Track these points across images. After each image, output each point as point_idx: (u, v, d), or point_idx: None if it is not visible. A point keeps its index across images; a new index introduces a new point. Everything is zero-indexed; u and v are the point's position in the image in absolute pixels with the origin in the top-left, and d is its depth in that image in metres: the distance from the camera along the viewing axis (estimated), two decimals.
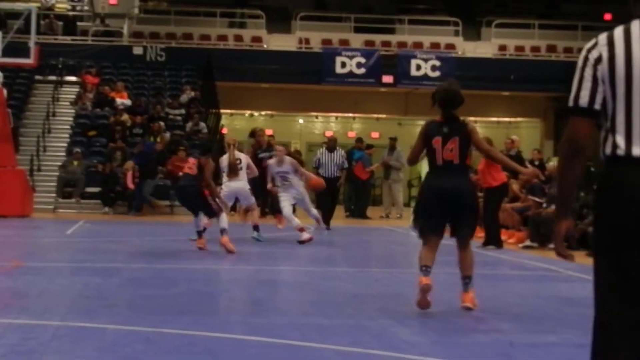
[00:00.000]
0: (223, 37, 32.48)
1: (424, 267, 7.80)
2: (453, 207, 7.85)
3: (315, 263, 13.04)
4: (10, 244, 14.89)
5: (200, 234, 13.56)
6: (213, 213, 13.22)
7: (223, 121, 29.04)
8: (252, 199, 15.28)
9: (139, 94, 28.15)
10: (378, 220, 23.16)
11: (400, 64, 30.52)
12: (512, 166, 9.40)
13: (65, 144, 25.49)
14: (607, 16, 32.68)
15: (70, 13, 33.82)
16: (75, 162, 23.86)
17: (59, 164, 24.21)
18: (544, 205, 15.64)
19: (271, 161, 15.62)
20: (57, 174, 23.82)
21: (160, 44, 30.67)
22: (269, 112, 34.13)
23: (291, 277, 11.32)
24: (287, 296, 9.41)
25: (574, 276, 10.72)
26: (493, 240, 14.84)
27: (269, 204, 20.64)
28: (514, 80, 30.63)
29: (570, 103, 3.41)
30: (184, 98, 27.75)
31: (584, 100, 3.37)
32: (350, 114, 34.54)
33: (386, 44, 32.78)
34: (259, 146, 18.33)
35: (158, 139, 24.54)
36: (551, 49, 32.89)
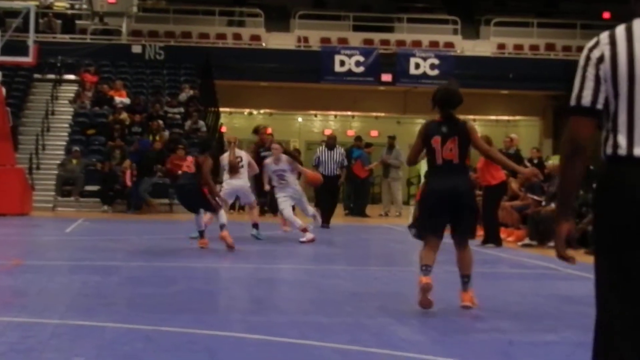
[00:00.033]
0: (222, 36, 32.47)
1: (424, 266, 7.79)
2: (453, 207, 7.85)
3: (315, 261, 13.04)
4: (10, 242, 14.90)
5: (202, 233, 13.56)
6: (213, 209, 13.24)
7: (222, 120, 29.04)
8: (252, 197, 15.28)
9: (137, 93, 28.15)
10: (377, 219, 23.17)
11: (399, 63, 30.52)
12: (511, 166, 9.41)
13: (64, 143, 25.48)
14: (606, 15, 32.68)
15: (69, 11, 33.80)
16: (74, 161, 23.87)
17: (58, 162, 24.21)
18: (543, 203, 15.65)
19: (268, 160, 15.45)
20: (56, 172, 23.82)
21: (159, 43, 30.66)
22: (267, 111, 34.13)
23: (290, 275, 11.33)
24: (287, 294, 9.41)
25: (573, 274, 10.72)
26: (492, 238, 14.85)
27: (268, 203, 20.64)
28: (512, 78, 30.63)
29: (572, 102, 3.39)
30: (183, 96, 27.74)
31: (586, 99, 3.34)
32: (349, 113, 34.55)
33: (385, 42, 32.77)
34: (262, 144, 17.91)
35: (157, 138, 24.53)
36: (550, 47, 32.90)
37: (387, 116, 34.01)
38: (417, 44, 32.56)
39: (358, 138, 25.41)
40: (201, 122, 26.19)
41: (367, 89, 31.40)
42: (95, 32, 31.72)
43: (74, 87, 28.26)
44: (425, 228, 7.99)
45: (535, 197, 15.91)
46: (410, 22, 33.83)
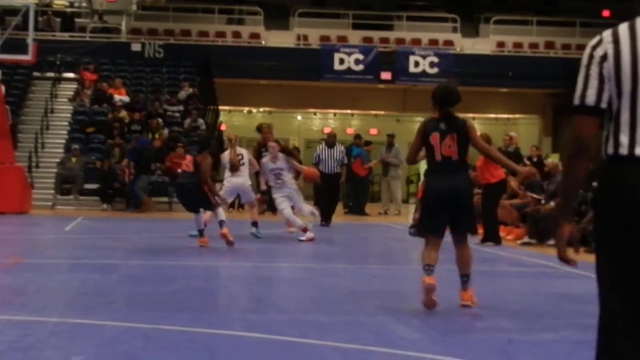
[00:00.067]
0: (221, 34, 32.45)
1: (427, 266, 7.78)
2: (453, 207, 7.84)
3: (314, 260, 13.04)
4: (9, 240, 14.89)
5: (201, 232, 13.55)
6: (212, 207, 13.24)
7: (221, 118, 29.03)
8: (253, 196, 15.27)
9: (137, 91, 28.13)
10: (376, 217, 23.17)
11: (398, 61, 30.51)
12: (509, 165, 9.41)
13: (63, 141, 25.47)
14: (606, 13, 32.66)
15: (68, 9, 33.77)
16: (74, 159, 23.86)
17: (57, 160, 24.20)
18: (543, 201, 15.64)
19: (265, 159, 15.24)
20: (55, 170, 23.82)
21: (158, 41, 30.64)
22: (267, 109, 34.11)
23: (290, 273, 11.33)
24: (286, 293, 9.41)
25: (572, 273, 10.71)
26: (491, 236, 14.84)
27: (267, 201, 20.60)
28: (512, 76, 30.62)
29: (576, 102, 3.34)
30: (182, 94, 27.73)
31: (590, 98, 3.31)
32: (349, 111, 34.54)
33: (384, 40, 32.76)
34: (264, 143, 17.45)
35: (156, 136, 24.53)
36: (549, 45, 32.89)
37: (386, 114, 34.00)
38: (416, 42, 32.54)
39: (357, 136, 25.40)
40: (200, 120, 26.18)
41: (367, 87, 31.40)
42: (95, 30, 31.70)
43: (74, 85, 28.25)
44: (426, 228, 7.99)
45: (535, 196, 15.91)
46: (410, 20, 33.82)
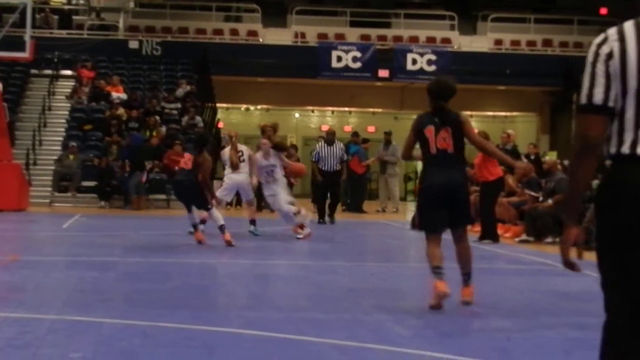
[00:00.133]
0: (219, 31, 32.44)
1: (437, 268, 7.74)
2: (449, 203, 7.84)
3: (312, 257, 13.05)
4: (7, 238, 14.89)
5: (196, 227, 13.54)
6: (207, 207, 13.22)
7: (219, 115, 29.02)
8: (252, 194, 15.26)
9: (134, 88, 28.11)
10: (374, 215, 23.16)
11: (396, 58, 30.52)
12: (505, 160, 9.40)
13: (61, 138, 25.47)
14: (603, 10, 32.68)
15: (66, 7, 33.75)
16: (71, 156, 23.86)
17: (55, 158, 24.20)
18: (540, 199, 15.65)
19: (257, 155, 15.01)
20: (53, 168, 23.81)
21: (156, 38, 30.64)
22: (264, 106, 34.10)
23: (287, 271, 11.33)
24: (284, 290, 9.41)
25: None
26: (489, 234, 14.85)
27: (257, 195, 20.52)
28: (509, 74, 30.63)
29: (583, 100, 3.29)
30: (180, 92, 27.73)
31: (598, 97, 3.25)
32: (346, 108, 34.54)
33: (382, 38, 32.77)
34: None
35: (154, 133, 24.53)
36: (547, 43, 32.90)
37: (384, 112, 34.01)
38: (414, 39, 32.56)
39: (355, 134, 25.38)
40: (198, 118, 26.19)
41: (364, 84, 31.41)
42: (92, 28, 31.69)
43: (71, 83, 28.24)
44: (425, 224, 7.97)
45: (533, 193, 15.91)
46: (407, 17, 33.83)
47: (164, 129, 25.17)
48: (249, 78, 30.62)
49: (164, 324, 6.77)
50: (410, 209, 19.78)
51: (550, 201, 15.01)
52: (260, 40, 32.18)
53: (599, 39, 3.31)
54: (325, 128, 28.39)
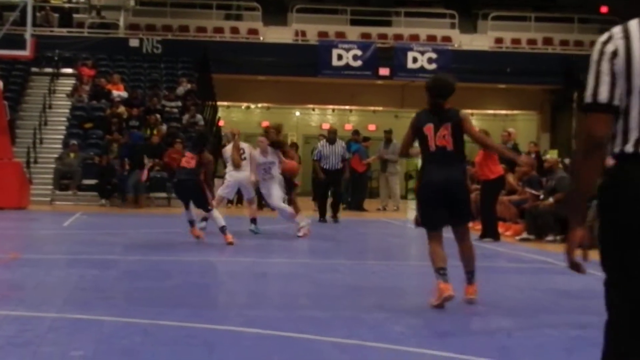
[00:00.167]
0: (219, 30, 32.43)
1: (440, 270, 7.72)
2: (448, 201, 7.83)
3: (312, 255, 13.05)
4: (7, 236, 14.89)
5: (192, 223, 13.54)
6: (207, 207, 13.21)
7: (219, 113, 29.02)
8: (253, 193, 15.26)
9: (135, 86, 28.12)
10: (375, 213, 23.16)
11: (396, 57, 30.50)
12: (507, 154, 9.38)
13: (61, 136, 25.47)
14: (604, 9, 32.65)
15: (66, 5, 33.72)
16: (72, 155, 23.86)
17: (56, 156, 24.20)
18: (541, 197, 15.64)
19: (255, 152, 14.98)
20: (53, 166, 23.82)
21: (156, 36, 30.63)
22: (265, 105, 34.10)
23: (287, 269, 11.32)
24: (284, 289, 9.41)
25: None
26: (490, 233, 14.85)
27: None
28: (510, 72, 30.61)
29: (588, 99, 3.27)
30: (181, 90, 27.72)
31: (603, 95, 3.23)
32: (347, 107, 34.52)
33: (382, 36, 32.75)
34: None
35: (154, 132, 24.53)
36: (547, 41, 32.87)
37: (384, 110, 33.99)
38: (414, 38, 32.54)
39: (356, 132, 25.41)
40: (199, 116, 26.18)
41: (365, 83, 31.39)
42: (93, 26, 31.69)
43: (72, 81, 28.23)
44: (425, 222, 7.97)
45: (533, 192, 15.91)
46: (408, 16, 33.81)
47: (164, 127, 25.17)
48: (250, 76, 30.61)
49: (165, 322, 6.78)
50: (411, 207, 19.76)
51: (551, 199, 15.01)
52: (261, 38, 32.16)
53: (603, 37, 3.30)
54: (325, 126, 28.38)
